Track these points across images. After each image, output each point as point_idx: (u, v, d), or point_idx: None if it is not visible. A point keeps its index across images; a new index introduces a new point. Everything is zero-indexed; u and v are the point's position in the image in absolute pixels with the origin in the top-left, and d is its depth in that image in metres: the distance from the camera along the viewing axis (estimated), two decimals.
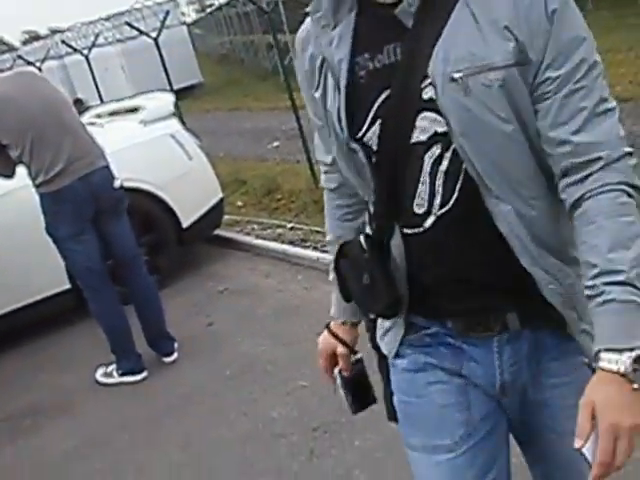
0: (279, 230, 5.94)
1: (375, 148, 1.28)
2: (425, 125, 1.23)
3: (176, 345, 4.24)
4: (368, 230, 1.40)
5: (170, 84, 8.35)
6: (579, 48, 1.18)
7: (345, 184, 1.45)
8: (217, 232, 5.95)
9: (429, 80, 1.20)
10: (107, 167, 3.99)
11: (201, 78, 20.24)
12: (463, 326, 1.34)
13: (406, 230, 1.30)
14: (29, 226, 4.32)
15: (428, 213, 1.26)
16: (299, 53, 1.38)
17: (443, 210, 1.25)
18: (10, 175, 3.94)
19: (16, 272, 4.76)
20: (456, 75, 1.17)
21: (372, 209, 1.36)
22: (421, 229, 1.28)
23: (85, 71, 11.33)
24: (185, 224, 5.31)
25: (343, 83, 1.27)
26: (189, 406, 3.76)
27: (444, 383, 1.38)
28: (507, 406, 1.41)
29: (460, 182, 1.24)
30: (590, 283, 1.14)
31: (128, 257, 4.13)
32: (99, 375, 4.23)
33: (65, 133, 3.87)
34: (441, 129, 1.21)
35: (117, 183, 4.02)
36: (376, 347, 1.50)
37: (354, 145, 1.29)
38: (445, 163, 1.23)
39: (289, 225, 5.97)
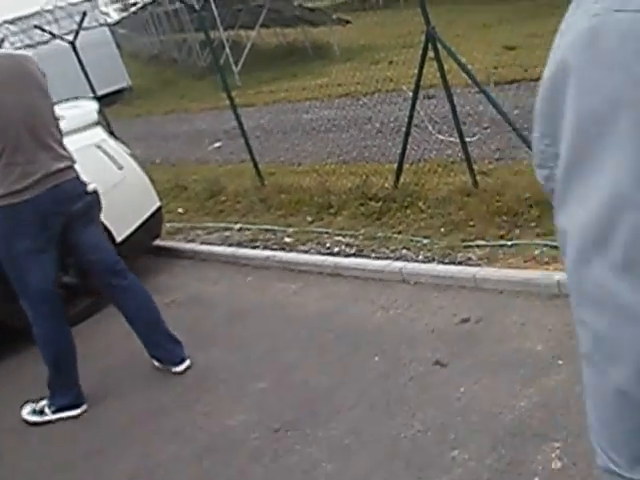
0: (226, 233, 5.99)
1: None
2: None
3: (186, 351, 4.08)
4: None
5: (93, 90, 8.32)
6: None
7: None
8: (158, 242, 5.95)
9: None
10: (77, 177, 3.84)
11: (128, 81, 20.11)
12: None
13: None
14: None
15: None
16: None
17: None
18: None
19: None
20: None
21: None
22: None
23: None
24: (119, 238, 5.26)
25: None
26: (136, 432, 3.68)
27: None
28: None
29: None
30: None
31: (109, 265, 3.99)
32: (26, 413, 3.98)
33: (42, 148, 3.66)
34: None
35: (91, 187, 3.89)
36: None
37: None
38: None
39: (237, 226, 6.02)
